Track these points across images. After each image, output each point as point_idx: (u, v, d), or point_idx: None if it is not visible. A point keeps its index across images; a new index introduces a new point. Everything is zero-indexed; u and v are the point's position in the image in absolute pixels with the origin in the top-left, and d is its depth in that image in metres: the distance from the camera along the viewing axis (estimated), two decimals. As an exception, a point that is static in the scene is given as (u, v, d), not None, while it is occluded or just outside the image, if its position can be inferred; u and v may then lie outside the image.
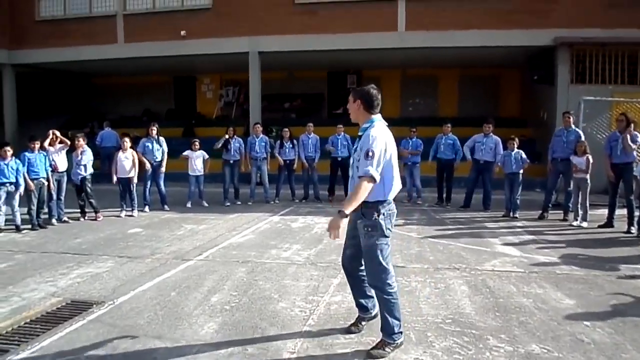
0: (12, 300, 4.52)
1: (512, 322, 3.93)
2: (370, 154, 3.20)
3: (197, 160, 10.13)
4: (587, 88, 11.56)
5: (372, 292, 3.66)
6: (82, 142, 8.85)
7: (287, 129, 11.04)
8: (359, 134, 3.40)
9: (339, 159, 10.65)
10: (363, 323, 3.74)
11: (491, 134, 9.61)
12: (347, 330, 3.72)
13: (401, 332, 3.42)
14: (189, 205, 10.05)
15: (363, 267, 3.57)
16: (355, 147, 3.45)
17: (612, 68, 12.06)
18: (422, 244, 6.76)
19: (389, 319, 3.36)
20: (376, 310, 3.69)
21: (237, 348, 3.46)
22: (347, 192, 3.49)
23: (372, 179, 3.20)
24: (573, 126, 8.76)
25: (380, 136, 3.28)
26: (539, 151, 12.86)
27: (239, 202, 10.45)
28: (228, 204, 10.29)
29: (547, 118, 12.92)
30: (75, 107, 18.90)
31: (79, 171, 8.74)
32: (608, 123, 11.01)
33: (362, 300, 3.72)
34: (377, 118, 3.42)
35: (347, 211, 3.19)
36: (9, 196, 7.64)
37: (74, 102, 19.03)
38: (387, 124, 3.48)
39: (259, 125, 10.97)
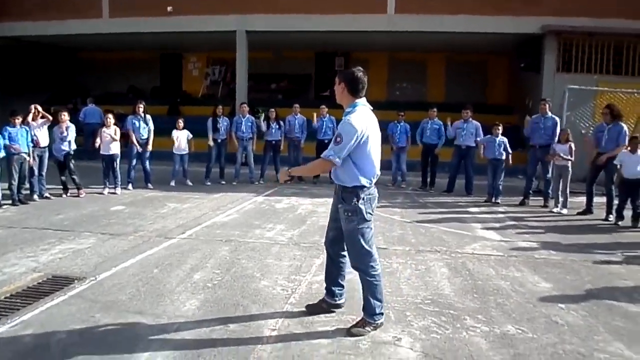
0: (-8, 274, 4.50)
1: (489, 304, 4.02)
2: (339, 139, 3.22)
3: (182, 139, 10.06)
4: (572, 77, 11.66)
5: (344, 282, 3.72)
6: (65, 117, 8.74)
7: (273, 110, 11.01)
8: (343, 116, 3.38)
9: (326, 141, 10.66)
10: (324, 305, 3.72)
11: (470, 118, 9.69)
12: (307, 309, 3.72)
13: (382, 314, 3.48)
14: (172, 183, 10.01)
15: (344, 253, 3.59)
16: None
17: (598, 58, 12.18)
18: (405, 226, 6.84)
19: (371, 300, 3.41)
20: (342, 300, 3.74)
21: (219, 324, 3.50)
22: (331, 175, 3.50)
23: (330, 162, 3.26)
24: (549, 113, 8.87)
25: (357, 124, 3.24)
26: (523, 137, 12.99)
27: (224, 182, 10.43)
28: (209, 183, 10.26)
29: (532, 105, 13.02)
30: (59, 82, 18.55)
31: (62, 147, 8.63)
32: (592, 112, 11.14)
33: (332, 287, 3.71)
34: (361, 102, 3.39)
35: (294, 173, 3.50)
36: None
37: (58, 77, 18.65)
38: (371, 108, 3.47)
39: (245, 105, 10.91)
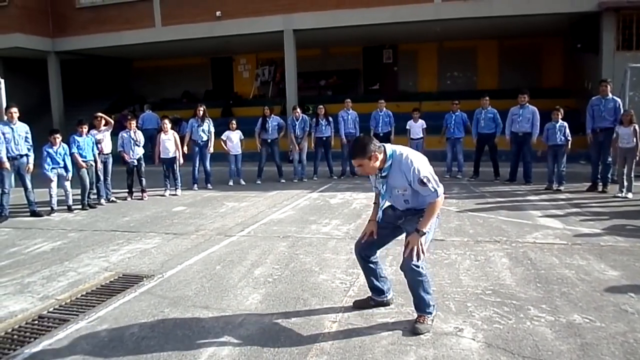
0: (68, 274, 4.80)
1: (553, 293, 3.91)
2: (425, 180, 3.17)
3: (234, 139, 10.32)
4: (634, 55, 11.09)
5: (386, 276, 3.72)
6: (134, 123, 9.19)
7: (322, 106, 11.05)
8: (384, 174, 3.32)
9: (381, 134, 10.66)
10: (372, 303, 3.70)
11: (527, 104, 9.38)
12: (355, 305, 3.70)
13: (434, 305, 3.45)
14: (230, 183, 10.31)
15: (376, 255, 3.61)
16: (386, 180, 3.34)
17: (662, 33, 11.53)
18: (462, 217, 6.74)
19: (424, 296, 3.34)
20: (390, 296, 3.72)
21: (281, 317, 3.59)
22: (397, 204, 3.48)
23: (441, 197, 3.25)
24: (610, 94, 8.47)
25: (414, 155, 3.27)
26: (583, 122, 12.46)
27: (283, 180, 10.60)
28: (259, 182, 10.46)
29: (592, 88, 12.46)
30: (118, 91, 19.43)
31: (135, 151, 9.04)
32: (658, 91, 10.56)
33: (377, 283, 3.66)
34: (388, 147, 3.33)
35: (426, 230, 3.25)
36: (61, 179, 8.00)
37: (116, 86, 19.56)
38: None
39: (297, 110, 10.91)
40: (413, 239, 3.25)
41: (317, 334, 3.32)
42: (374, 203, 3.66)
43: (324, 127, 10.82)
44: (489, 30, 14.92)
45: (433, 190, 3.21)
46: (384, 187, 3.38)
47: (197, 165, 10.03)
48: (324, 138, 10.87)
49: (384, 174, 3.32)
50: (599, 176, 8.58)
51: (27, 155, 7.70)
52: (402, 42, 17.16)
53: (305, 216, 7.10)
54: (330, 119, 10.90)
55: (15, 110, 7.60)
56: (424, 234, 3.25)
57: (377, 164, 3.27)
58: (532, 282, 4.17)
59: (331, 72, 17.93)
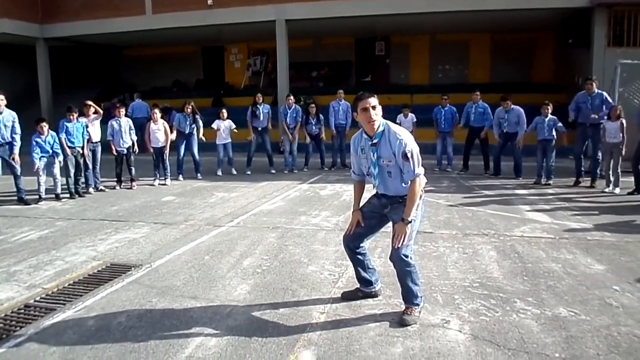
0: (56, 263, 4.77)
1: (540, 286, 3.95)
2: (409, 154, 3.20)
3: (224, 129, 10.27)
4: (624, 51, 11.18)
5: (374, 268, 3.75)
6: (122, 111, 9.10)
7: (313, 105, 11.01)
8: (375, 140, 3.31)
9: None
10: (359, 294, 3.73)
11: (512, 107, 9.41)
12: (343, 296, 3.74)
13: (422, 296, 3.49)
14: (219, 173, 10.26)
15: (363, 245, 3.63)
16: (376, 149, 3.33)
17: (653, 30, 11.60)
18: (451, 210, 6.77)
19: (412, 287, 3.37)
20: (377, 288, 3.75)
21: (269, 308, 3.60)
22: (379, 188, 3.48)
23: (420, 177, 3.26)
24: (596, 90, 8.52)
25: (404, 131, 3.32)
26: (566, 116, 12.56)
27: (274, 171, 10.57)
28: (249, 172, 10.41)
29: (582, 83, 12.53)
30: (107, 79, 19.23)
31: (125, 140, 8.96)
32: (646, 87, 10.65)
33: (365, 274, 3.68)
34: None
35: (411, 218, 3.25)
36: (49, 166, 7.93)
37: (105, 74, 19.35)
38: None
39: (291, 97, 10.88)
40: (400, 228, 3.27)
41: (305, 324, 3.34)
42: (354, 194, 3.68)
43: (313, 126, 10.77)
44: (482, 24, 14.92)
45: (413, 168, 3.22)
46: (375, 155, 3.35)
47: (182, 154, 9.92)
48: (313, 135, 10.84)
49: (375, 141, 3.33)
50: (582, 169, 8.66)
51: (12, 143, 7.59)
52: (395, 35, 17.12)
53: (295, 207, 7.10)
54: (321, 116, 10.85)
55: (2, 98, 7.50)
56: (410, 222, 3.26)
57: (379, 117, 3.31)
58: (519, 275, 4.20)
59: (323, 64, 17.86)
